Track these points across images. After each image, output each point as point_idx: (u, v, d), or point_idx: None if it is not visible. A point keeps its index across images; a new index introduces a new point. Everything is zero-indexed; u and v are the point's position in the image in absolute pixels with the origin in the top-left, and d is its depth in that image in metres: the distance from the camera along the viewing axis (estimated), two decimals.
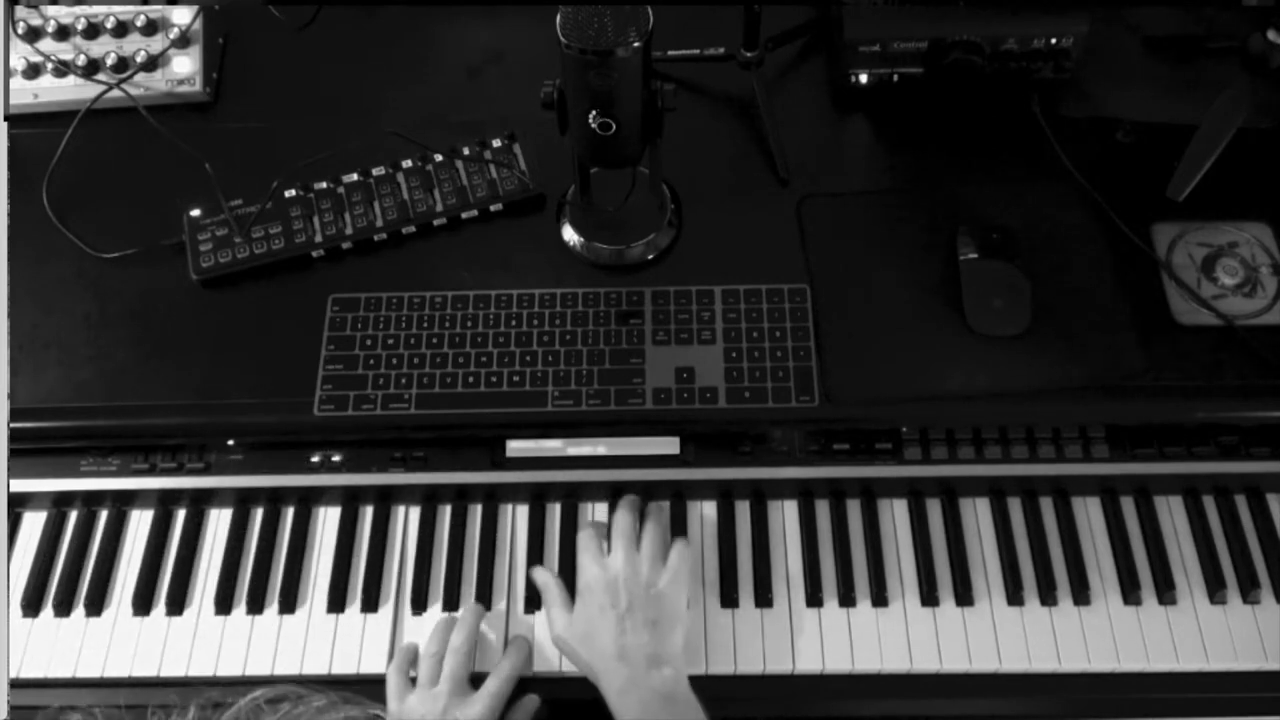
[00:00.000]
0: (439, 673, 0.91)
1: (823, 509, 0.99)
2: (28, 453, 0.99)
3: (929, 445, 0.98)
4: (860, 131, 1.11)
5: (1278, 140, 1.05)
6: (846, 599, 0.95)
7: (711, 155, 1.09)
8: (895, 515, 0.99)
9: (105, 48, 1.13)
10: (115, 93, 1.11)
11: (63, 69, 1.12)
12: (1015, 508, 0.99)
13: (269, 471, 0.99)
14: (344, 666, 0.93)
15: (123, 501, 1.01)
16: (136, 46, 1.13)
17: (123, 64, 1.12)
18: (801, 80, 1.14)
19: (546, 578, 0.95)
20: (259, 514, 1.01)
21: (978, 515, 0.99)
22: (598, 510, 1.00)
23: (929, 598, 0.95)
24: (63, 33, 1.13)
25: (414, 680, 0.92)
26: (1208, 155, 0.98)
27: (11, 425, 0.93)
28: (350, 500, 1.01)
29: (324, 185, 1.06)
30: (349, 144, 1.07)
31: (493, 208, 1.05)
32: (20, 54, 1.12)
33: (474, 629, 0.94)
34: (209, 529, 1.01)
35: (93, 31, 1.13)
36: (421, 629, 0.95)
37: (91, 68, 1.12)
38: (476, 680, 0.92)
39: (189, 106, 1.14)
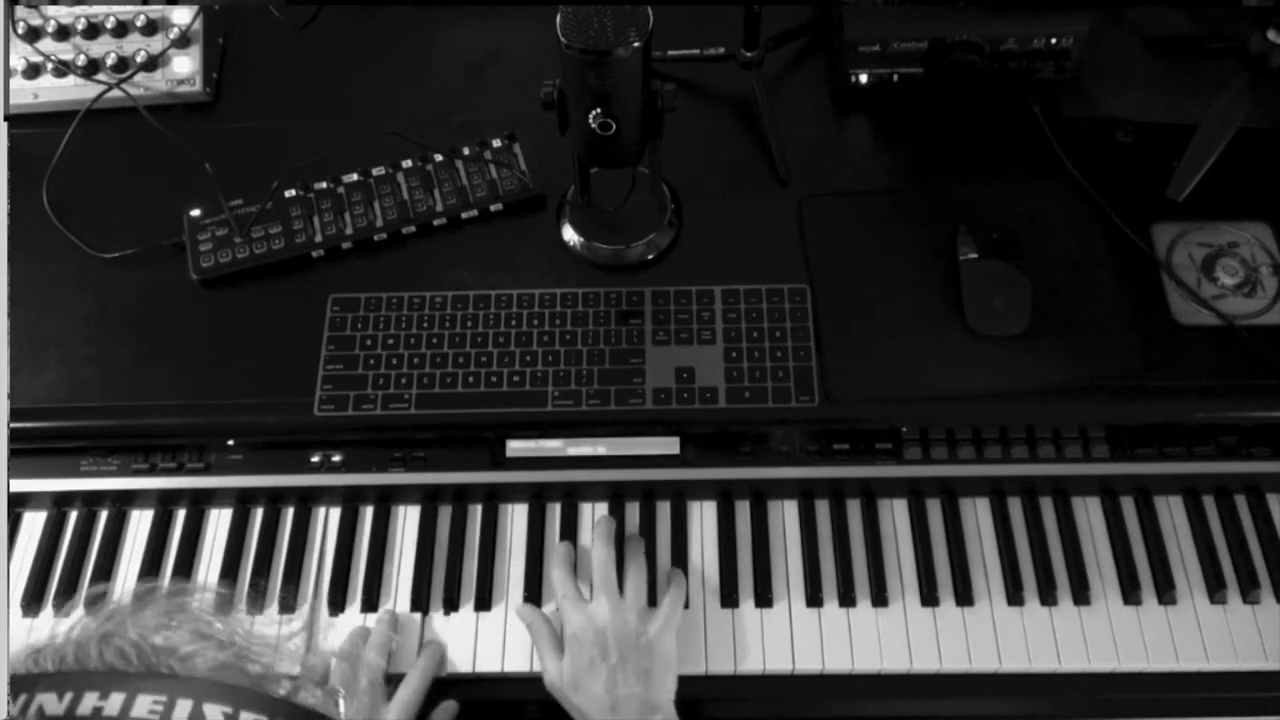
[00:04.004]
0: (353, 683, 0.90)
1: (823, 509, 0.99)
2: (28, 453, 0.99)
3: (929, 445, 0.98)
4: (860, 131, 1.11)
5: (1278, 140, 1.05)
6: (846, 599, 0.95)
7: (711, 155, 1.09)
8: (895, 515, 0.99)
9: (105, 48, 1.13)
10: (115, 93, 1.11)
11: (63, 69, 1.12)
12: (1015, 508, 0.99)
13: (269, 471, 0.99)
14: None
15: (123, 501, 1.01)
16: (136, 46, 1.13)
17: (123, 64, 1.12)
18: (801, 80, 1.14)
19: (533, 616, 0.92)
20: (259, 514, 1.01)
21: (978, 515, 0.99)
22: (598, 510, 1.00)
23: (929, 598, 0.95)
24: (63, 33, 1.13)
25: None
26: (1208, 155, 0.98)
27: (11, 425, 0.93)
28: (350, 500, 1.01)
29: (324, 185, 1.06)
30: (349, 144, 1.07)
31: (493, 208, 1.05)
32: (20, 54, 1.12)
33: (386, 642, 0.92)
34: (209, 529, 1.00)
35: (93, 31, 1.13)
36: (422, 628, 0.95)
37: (91, 68, 1.12)
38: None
39: (189, 106, 1.14)
